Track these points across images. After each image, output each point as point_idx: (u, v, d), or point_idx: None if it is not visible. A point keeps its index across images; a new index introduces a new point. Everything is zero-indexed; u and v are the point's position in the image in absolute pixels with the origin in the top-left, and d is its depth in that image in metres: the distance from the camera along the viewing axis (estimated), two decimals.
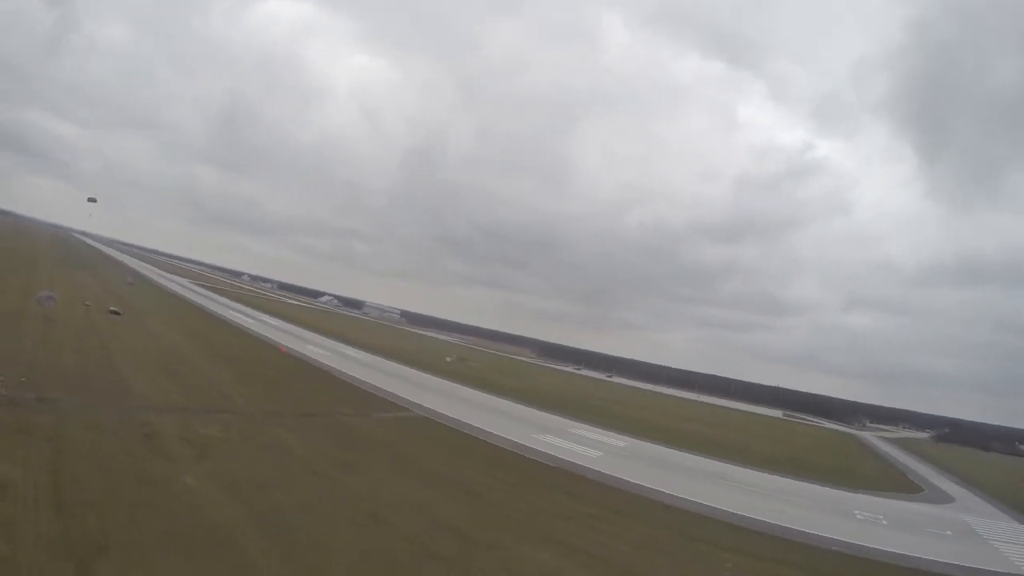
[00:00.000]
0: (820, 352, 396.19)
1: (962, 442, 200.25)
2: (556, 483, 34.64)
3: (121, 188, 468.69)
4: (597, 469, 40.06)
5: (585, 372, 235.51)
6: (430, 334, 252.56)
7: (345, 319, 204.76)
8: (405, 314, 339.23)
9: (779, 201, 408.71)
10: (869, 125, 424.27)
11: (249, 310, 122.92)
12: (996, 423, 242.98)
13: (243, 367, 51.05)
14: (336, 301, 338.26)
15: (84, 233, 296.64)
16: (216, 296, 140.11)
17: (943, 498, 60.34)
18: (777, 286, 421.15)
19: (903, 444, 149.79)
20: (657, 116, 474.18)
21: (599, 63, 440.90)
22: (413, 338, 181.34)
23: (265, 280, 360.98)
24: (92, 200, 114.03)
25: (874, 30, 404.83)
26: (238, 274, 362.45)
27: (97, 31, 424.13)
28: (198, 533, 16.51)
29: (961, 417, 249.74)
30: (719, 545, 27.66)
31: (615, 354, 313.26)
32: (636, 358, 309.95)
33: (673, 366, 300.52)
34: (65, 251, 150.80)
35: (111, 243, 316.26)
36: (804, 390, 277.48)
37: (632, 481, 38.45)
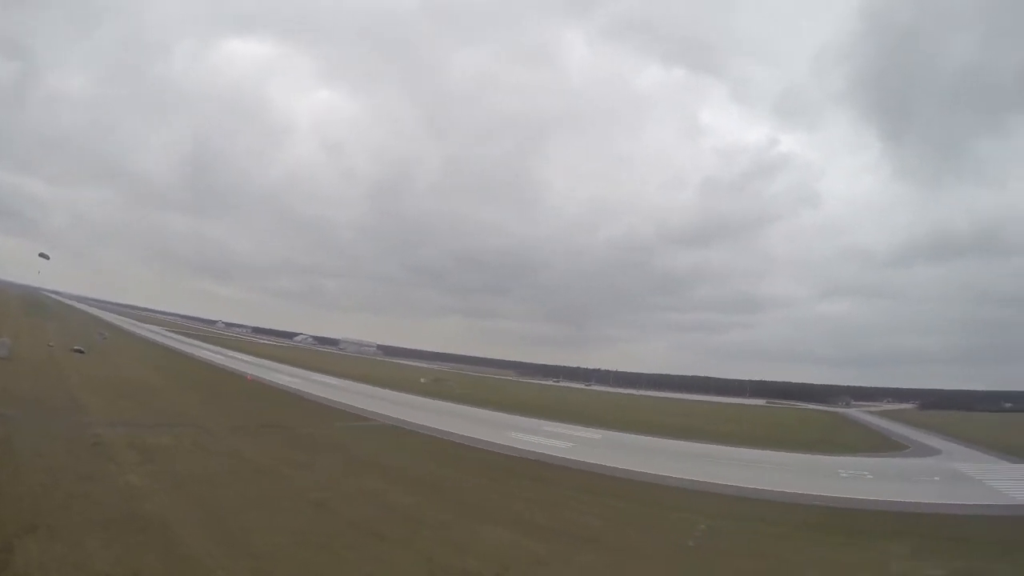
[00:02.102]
0: (799, 343, 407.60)
1: (947, 408, 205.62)
2: (521, 472, 34.09)
3: (91, 243, 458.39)
4: (568, 457, 39.45)
5: (564, 383, 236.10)
6: (408, 363, 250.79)
7: (319, 354, 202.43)
8: (383, 348, 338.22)
9: (747, 200, 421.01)
10: (832, 115, 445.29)
11: (219, 348, 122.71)
12: (981, 389, 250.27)
13: (205, 391, 51.32)
14: (311, 339, 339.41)
15: (56, 292, 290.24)
16: (187, 339, 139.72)
17: (929, 452, 61.56)
18: (751, 284, 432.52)
19: (888, 415, 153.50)
20: (622, 129, 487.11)
21: (563, 82, 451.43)
22: (389, 367, 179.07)
23: (239, 326, 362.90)
24: (44, 256, 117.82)
25: (831, 21, 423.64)
26: (212, 322, 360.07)
27: (60, 82, 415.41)
28: (131, 519, 16.39)
29: (945, 387, 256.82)
30: (696, 511, 27.15)
31: (596, 368, 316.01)
32: (616, 368, 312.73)
33: (652, 372, 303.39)
34: (31, 306, 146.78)
35: (83, 300, 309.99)
36: (786, 380, 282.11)
37: (606, 465, 37.79)
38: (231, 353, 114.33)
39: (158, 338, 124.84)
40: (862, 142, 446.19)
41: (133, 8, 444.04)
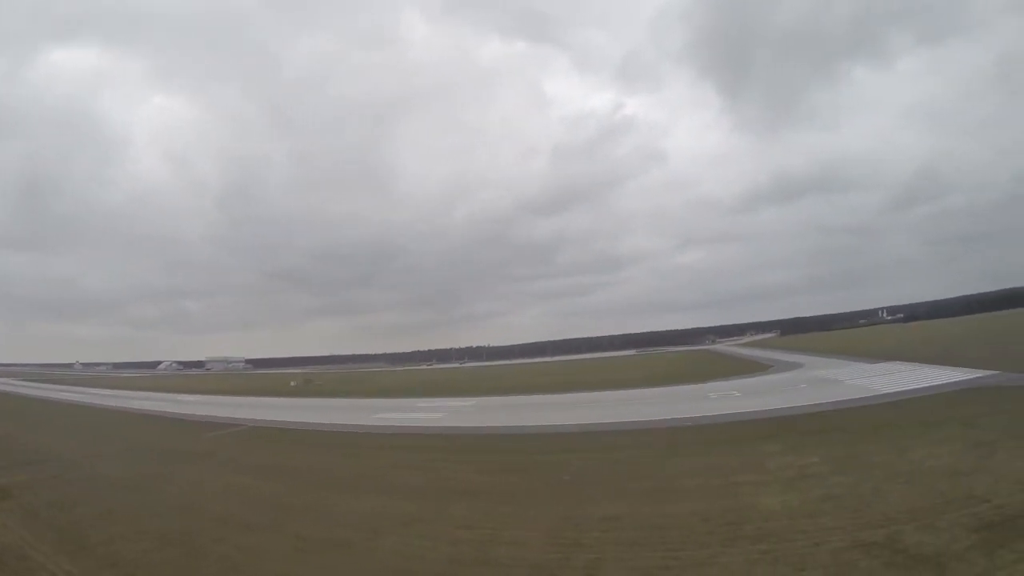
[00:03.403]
0: (663, 293, 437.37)
1: (807, 331, 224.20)
2: (389, 445, 33.69)
3: None
4: (440, 426, 39.07)
5: (438, 365, 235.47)
6: (281, 371, 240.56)
7: (183, 378, 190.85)
8: (253, 361, 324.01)
9: (598, 164, 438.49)
10: (672, 76, 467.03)
11: (76, 387, 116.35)
12: (836, 312, 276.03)
13: (63, 428, 50.42)
14: (176, 365, 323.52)
15: None
16: (38, 384, 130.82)
17: (792, 367, 65.92)
18: (611, 243, 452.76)
19: (752, 344, 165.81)
20: (470, 106, 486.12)
21: (405, 63, 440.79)
22: (258, 378, 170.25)
23: (99, 364, 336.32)
24: None
25: None
26: (68, 365, 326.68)
27: None
28: None
29: (804, 315, 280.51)
30: (571, 451, 26.72)
31: (470, 345, 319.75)
32: (490, 344, 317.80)
33: (525, 342, 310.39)
34: None
35: None
36: (653, 330, 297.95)
37: (478, 426, 37.61)
38: (86, 390, 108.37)
39: (10, 388, 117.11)
40: (703, 99, 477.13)
41: None
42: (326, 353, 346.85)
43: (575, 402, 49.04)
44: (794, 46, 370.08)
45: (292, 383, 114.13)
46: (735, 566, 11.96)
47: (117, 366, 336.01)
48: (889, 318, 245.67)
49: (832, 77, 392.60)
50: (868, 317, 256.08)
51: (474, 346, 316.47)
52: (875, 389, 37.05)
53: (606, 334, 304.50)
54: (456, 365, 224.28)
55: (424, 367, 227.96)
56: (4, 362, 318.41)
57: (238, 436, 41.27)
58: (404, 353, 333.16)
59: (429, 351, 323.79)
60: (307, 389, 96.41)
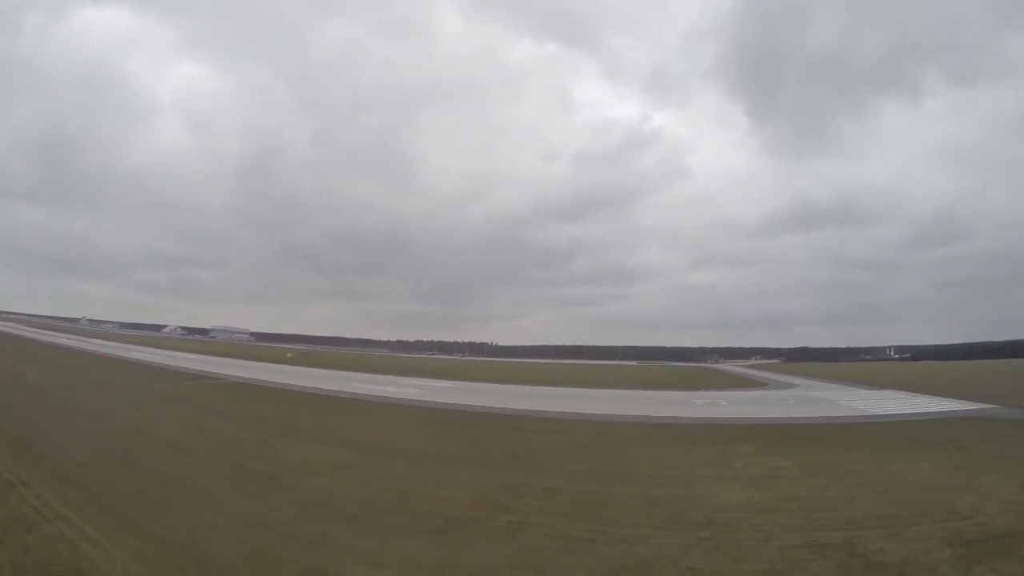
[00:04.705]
0: (672, 311, 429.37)
1: (812, 360, 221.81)
2: (354, 409, 33.43)
3: None
4: (410, 399, 38.29)
5: (438, 356, 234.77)
6: (282, 346, 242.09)
7: (186, 342, 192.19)
8: (257, 335, 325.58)
9: (620, 174, 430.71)
10: (701, 92, 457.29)
11: (80, 337, 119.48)
12: (843, 346, 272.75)
13: (52, 365, 50.62)
14: (181, 330, 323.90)
15: None
16: (44, 332, 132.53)
17: (788, 386, 64.05)
18: (625, 256, 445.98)
19: (754, 366, 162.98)
20: (495, 104, 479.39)
21: (435, 55, 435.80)
22: (258, 348, 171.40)
23: (105, 322, 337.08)
24: None
25: None
26: (75, 319, 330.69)
27: None
28: None
29: (810, 346, 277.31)
30: (532, 432, 25.88)
31: (472, 341, 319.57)
32: (493, 342, 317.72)
33: (528, 344, 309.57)
34: None
35: None
36: (658, 345, 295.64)
37: (449, 402, 36.54)
38: (91, 340, 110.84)
39: (12, 330, 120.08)
40: (730, 118, 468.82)
41: None
42: (330, 334, 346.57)
43: (557, 395, 47.65)
44: (825, 74, 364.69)
45: (288, 354, 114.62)
46: (667, 547, 10.56)
47: (123, 326, 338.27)
48: (895, 356, 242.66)
49: (860, 108, 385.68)
50: (874, 353, 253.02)
51: (477, 342, 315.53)
52: (866, 410, 35.37)
53: (611, 344, 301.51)
54: (455, 357, 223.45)
55: (424, 356, 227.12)
56: (12, 311, 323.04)
57: (215, 387, 41.21)
58: (407, 342, 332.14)
59: (431, 342, 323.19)
60: (301, 360, 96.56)
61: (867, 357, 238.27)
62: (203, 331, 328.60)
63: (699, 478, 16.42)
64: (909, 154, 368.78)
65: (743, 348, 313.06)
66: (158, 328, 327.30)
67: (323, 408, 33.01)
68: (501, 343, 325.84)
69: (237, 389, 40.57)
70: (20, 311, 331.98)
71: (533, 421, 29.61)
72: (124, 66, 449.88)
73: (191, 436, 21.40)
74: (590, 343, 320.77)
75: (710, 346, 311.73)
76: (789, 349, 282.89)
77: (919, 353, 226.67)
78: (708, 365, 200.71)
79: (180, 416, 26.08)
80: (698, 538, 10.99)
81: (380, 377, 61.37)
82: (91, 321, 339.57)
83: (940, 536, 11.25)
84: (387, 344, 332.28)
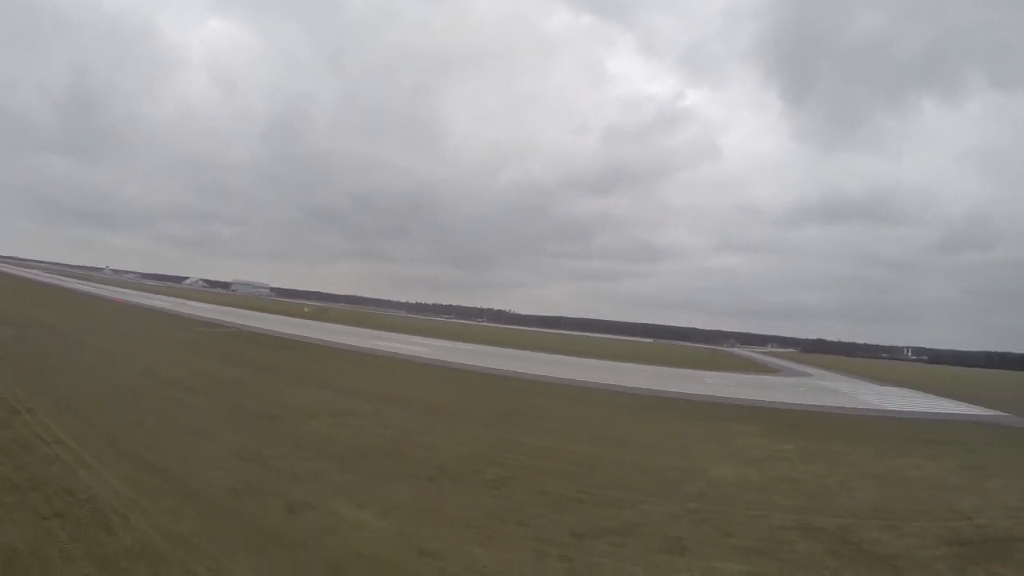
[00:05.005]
0: (692, 294, 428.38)
1: (828, 353, 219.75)
2: (365, 363, 33.65)
3: None
4: (417, 356, 38.68)
5: (454, 320, 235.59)
6: (301, 302, 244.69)
7: (207, 294, 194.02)
8: (277, 290, 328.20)
9: (649, 151, 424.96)
10: (737, 72, 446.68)
11: (101, 285, 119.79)
12: (860, 342, 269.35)
13: (70, 309, 50.92)
14: (201, 283, 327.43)
15: None
16: (66, 279, 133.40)
17: (800, 374, 63.32)
18: (649, 234, 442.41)
19: (770, 354, 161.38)
20: (527, 72, 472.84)
21: (468, 19, 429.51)
22: (277, 303, 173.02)
23: (127, 272, 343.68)
24: None
25: None
26: (98, 269, 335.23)
27: None
28: None
29: (827, 339, 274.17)
30: (536, 395, 25.87)
31: (490, 307, 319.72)
32: (512, 309, 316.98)
33: (546, 315, 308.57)
34: None
35: None
36: (675, 325, 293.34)
37: (456, 362, 36.93)
38: (110, 288, 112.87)
39: (36, 277, 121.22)
40: (764, 102, 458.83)
41: None
42: (349, 293, 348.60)
43: (567, 363, 47.71)
44: (865, 65, 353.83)
45: (306, 309, 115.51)
46: (655, 514, 10.38)
47: (145, 276, 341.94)
48: (912, 357, 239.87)
49: (898, 104, 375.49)
50: (891, 353, 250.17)
51: (495, 308, 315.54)
52: (877, 404, 34.78)
53: (628, 321, 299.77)
54: (472, 322, 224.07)
55: (440, 319, 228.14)
56: (38, 259, 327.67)
57: (226, 335, 41.55)
58: (425, 304, 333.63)
59: (449, 306, 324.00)
60: (319, 315, 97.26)
61: (884, 356, 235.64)
62: (224, 284, 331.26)
63: (697, 452, 16.19)
64: (944, 155, 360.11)
65: (760, 335, 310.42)
66: (179, 280, 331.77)
67: (332, 359, 33.22)
68: (519, 311, 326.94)
69: (247, 338, 40.86)
70: (45, 259, 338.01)
71: (537, 385, 29.59)
72: (154, 19, 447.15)
73: (198, 378, 21.50)
74: (607, 318, 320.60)
75: (727, 330, 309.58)
76: (805, 340, 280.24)
77: (937, 357, 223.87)
78: (723, 349, 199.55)
79: (189, 359, 26.33)
80: (688, 509, 10.77)
81: (390, 335, 62.11)
82: (114, 271, 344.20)
83: (939, 534, 10.90)
84: (404, 305, 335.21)
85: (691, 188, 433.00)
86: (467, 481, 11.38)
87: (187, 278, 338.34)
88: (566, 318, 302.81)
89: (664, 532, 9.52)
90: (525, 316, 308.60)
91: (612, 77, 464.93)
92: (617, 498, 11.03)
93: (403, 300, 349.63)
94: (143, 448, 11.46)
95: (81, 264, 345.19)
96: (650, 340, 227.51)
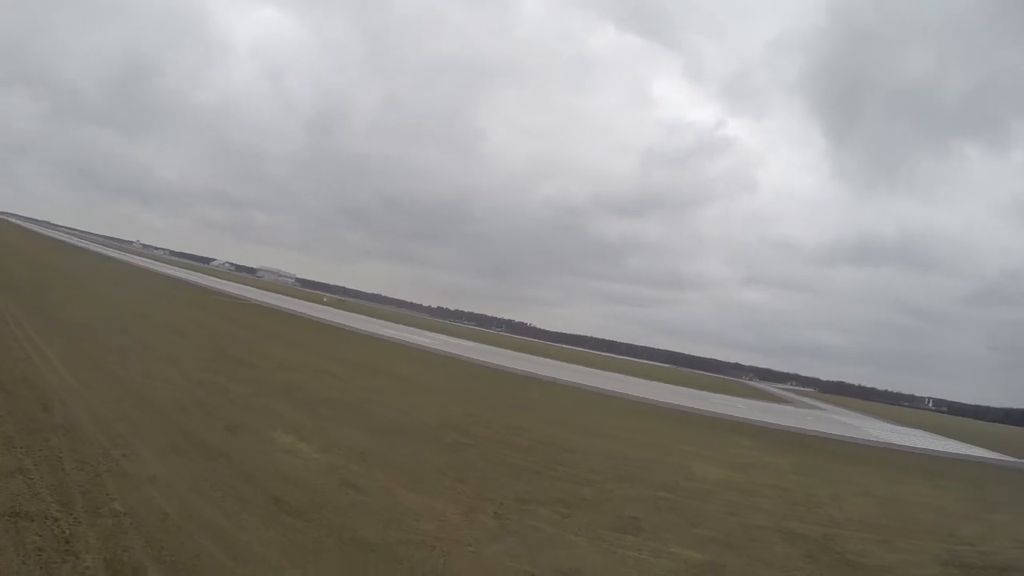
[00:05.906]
0: (717, 326, 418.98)
1: (846, 395, 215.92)
2: (369, 342, 34.19)
3: (6, 154, 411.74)
4: (423, 345, 38.71)
5: (471, 326, 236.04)
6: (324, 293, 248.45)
7: (232, 277, 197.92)
8: (302, 281, 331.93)
9: (686, 177, 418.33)
10: (780, 105, 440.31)
11: (125, 255, 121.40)
12: (882, 389, 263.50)
13: (91, 266, 52.08)
14: (229, 265, 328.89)
15: None
16: (93, 245, 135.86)
17: (813, 407, 61.52)
18: (678, 261, 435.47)
19: (788, 390, 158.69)
20: (568, 89, 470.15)
21: (513, 31, 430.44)
22: (300, 292, 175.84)
23: (157, 248, 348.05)
24: None
25: (792, 11, 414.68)
26: (129, 242, 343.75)
27: None
28: None
29: (849, 381, 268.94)
30: (536, 391, 25.61)
31: (512, 319, 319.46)
32: (533, 324, 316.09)
33: (568, 332, 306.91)
34: None
35: None
36: (696, 354, 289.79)
37: (461, 355, 36.63)
38: (137, 259, 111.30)
39: (69, 239, 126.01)
40: (806, 137, 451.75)
41: None
42: (373, 292, 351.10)
43: (576, 371, 46.73)
44: (910, 107, 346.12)
45: (325, 299, 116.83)
46: (615, 494, 9.62)
47: (173, 254, 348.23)
48: (932, 408, 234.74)
49: (942, 148, 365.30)
50: (911, 402, 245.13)
51: (515, 320, 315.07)
52: (885, 439, 33.28)
53: (649, 346, 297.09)
54: (491, 331, 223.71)
55: (460, 324, 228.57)
56: (70, 226, 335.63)
57: (237, 304, 41.91)
58: (446, 310, 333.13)
59: (471, 314, 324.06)
60: (333, 303, 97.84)
61: (904, 404, 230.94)
62: (251, 270, 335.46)
63: (681, 452, 15.36)
64: (986, 204, 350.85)
65: (779, 372, 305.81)
66: (207, 261, 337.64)
67: (332, 334, 33.48)
68: (541, 327, 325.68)
69: (256, 309, 41.15)
70: (79, 227, 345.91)
71: (530, 380, 29.24)
72: (205, 3, 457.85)
73: (192, 327, 21.94)
74: (630, 342, 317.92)
75: (747, 364, 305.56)
76: (826, 382, 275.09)
77: (957, 409, 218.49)
78: (741, 380, 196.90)
79: (191, 315, 26.96)
80: (655, 496, 9.93)
81: (403, 327, 61.78)
82: (144, 245, 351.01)
83: (935, 554, 9.88)
84: (426, 309, 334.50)
85: (724, 219, 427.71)
86: (424, 441, 10.91)
87: (215, 260, 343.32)
88: (588, 337, 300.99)
89: (621, 512, 8.73)
90: (547, 331, 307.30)
91: (654, 100, 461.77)
92: (579, 475, 10.36)
93: (425, 304, 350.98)
94: (114, 365, 11.73)
95: (113, 236, 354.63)
96: (667, 365, 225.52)
